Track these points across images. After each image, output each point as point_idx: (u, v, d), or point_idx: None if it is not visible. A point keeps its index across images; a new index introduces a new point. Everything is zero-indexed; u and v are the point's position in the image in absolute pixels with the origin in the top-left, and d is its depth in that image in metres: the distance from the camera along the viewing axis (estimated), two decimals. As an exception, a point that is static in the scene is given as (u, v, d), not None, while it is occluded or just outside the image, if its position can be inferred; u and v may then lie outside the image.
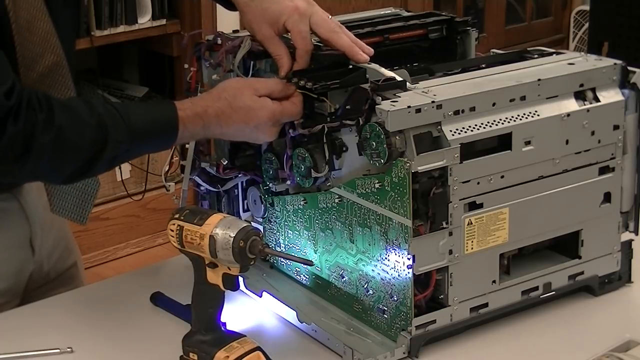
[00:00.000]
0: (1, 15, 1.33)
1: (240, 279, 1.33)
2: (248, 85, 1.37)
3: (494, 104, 1.29)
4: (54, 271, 1.61)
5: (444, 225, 1.27)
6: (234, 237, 1.19)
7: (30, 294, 1.56)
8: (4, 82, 1.26)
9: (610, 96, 1.38)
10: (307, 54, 1.38)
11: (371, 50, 1.38)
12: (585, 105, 1.36)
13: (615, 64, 1.38)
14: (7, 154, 1.26)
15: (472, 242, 1.30)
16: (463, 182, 1.27)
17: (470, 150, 1.27)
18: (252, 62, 1.46)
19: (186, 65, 1.51)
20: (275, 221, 1.49)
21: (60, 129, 1.27)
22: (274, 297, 1.43)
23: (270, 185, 1.47)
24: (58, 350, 1.34)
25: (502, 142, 1.30)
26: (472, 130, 1.27)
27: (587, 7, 4.57)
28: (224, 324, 1.28)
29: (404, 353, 1.29)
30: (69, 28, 1.49)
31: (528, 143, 1.32)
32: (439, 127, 1.25)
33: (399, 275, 1.28)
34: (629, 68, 1.39)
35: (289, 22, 1.37)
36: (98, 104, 1.32)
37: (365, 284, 1.34)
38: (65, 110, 1.29)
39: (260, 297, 1.44)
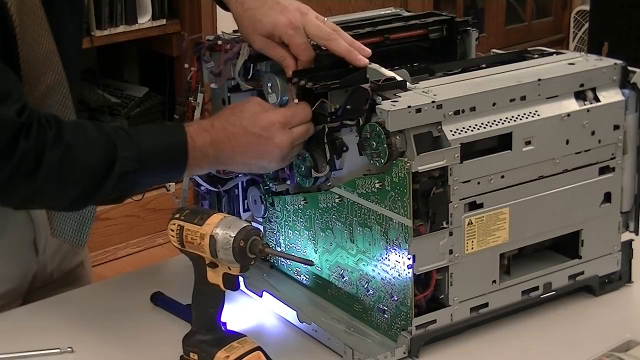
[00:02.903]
0: (9, 32, 1.32)
1: (241, 278, 1.32)
2: (252, 97, 1.39)
3: (494, 104, 1.29)
4: (58, 271, 1.61)
5: (444, 225, 1.27)
6: (234, 237, 1.19)
7: (32, 294, 1.56)
8: (17, 100, 1.26)
9: (611, 96, 1.38)
10: (311, 62, 1.39)
11: (369, 51, 1.38)
12: (585, 105, 1.36)
13: (615, 64, 1.38)
14: (18, 171, 1.26)
15: (472, 242, 1.30)
16: (463, 182, 1.27)
17: (471, 150, 1.27)
18: (251, 64, 1.46)
19: (186, 65, 1.51)
20: (275, 221, 1.49)
21: (69, 146, 1.27)
22: (274, 297, 1.43)
23: (271, 185, 1.47)
24: (58, 350, 1.34)
25: (502, 142, 1.30)
26: (472, 130, 1.27)
27: (587, 7, 4.56)
28: (224, 324, 1.28)
29: (404, 353, 1.29)
30: (73, 44, 1.48)
31: (528, 143, 1.32)
32: (439, 127, 1.25)
33: (399, 275, 1.28)
34: (629, 68, 1.39)
35: (285, 37, 1.38)
36: (106, 125, 1.33)
37: (366, 283, 1.34)
38: (74, 128, 1.30)
39: (261, 297, 1.44)
